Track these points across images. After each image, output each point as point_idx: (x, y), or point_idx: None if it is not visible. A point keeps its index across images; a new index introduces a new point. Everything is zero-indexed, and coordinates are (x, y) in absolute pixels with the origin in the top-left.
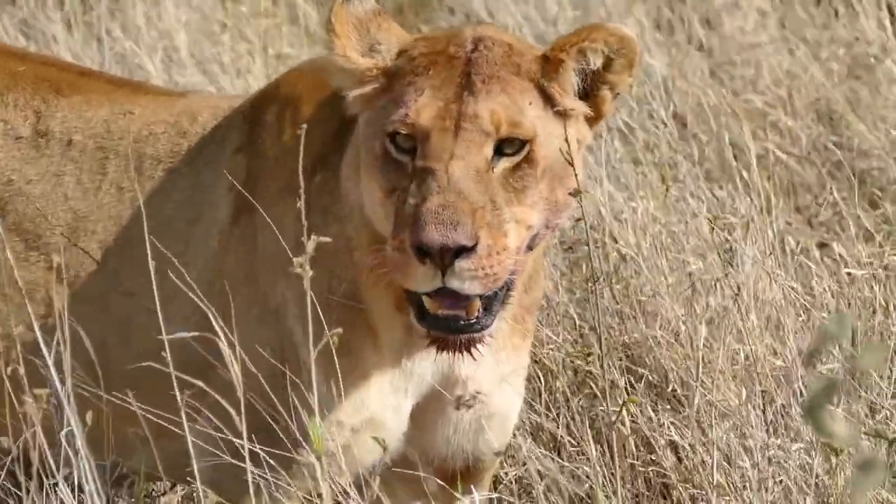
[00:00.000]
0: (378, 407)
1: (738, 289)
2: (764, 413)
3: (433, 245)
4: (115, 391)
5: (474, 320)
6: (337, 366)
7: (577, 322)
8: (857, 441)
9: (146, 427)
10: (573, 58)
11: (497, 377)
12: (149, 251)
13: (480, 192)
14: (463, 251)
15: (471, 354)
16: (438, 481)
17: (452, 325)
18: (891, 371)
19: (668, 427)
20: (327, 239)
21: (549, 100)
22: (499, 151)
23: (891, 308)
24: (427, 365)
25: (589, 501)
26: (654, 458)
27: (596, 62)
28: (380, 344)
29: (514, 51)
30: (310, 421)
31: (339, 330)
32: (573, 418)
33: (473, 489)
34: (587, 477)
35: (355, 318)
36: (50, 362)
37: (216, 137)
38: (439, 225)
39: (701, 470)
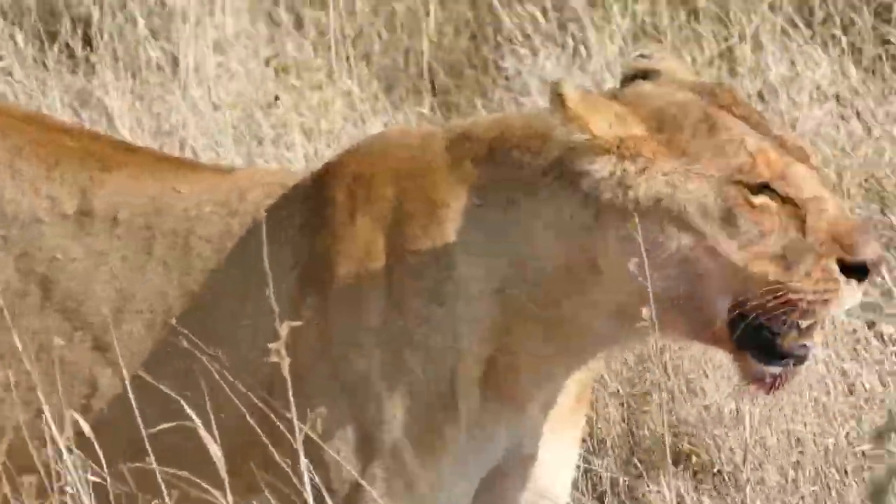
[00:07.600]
0: (451, 492)
1: None
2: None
3: (875, 258)
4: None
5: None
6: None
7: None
8: None
9: None
10: None
11: (556, 457)
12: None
13: None
14: None
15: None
16: None
17: (804, 355)
18: None
19: None
20: (298, 323)
21: None
22: None
23: None
24: (497, 443)
25: None
26: None
27: None
28: (458, 417)
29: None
30: None
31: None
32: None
33: None
34: None
35: (448, 398)
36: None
37: (273, 216)
38: (871, 240)
39: None
